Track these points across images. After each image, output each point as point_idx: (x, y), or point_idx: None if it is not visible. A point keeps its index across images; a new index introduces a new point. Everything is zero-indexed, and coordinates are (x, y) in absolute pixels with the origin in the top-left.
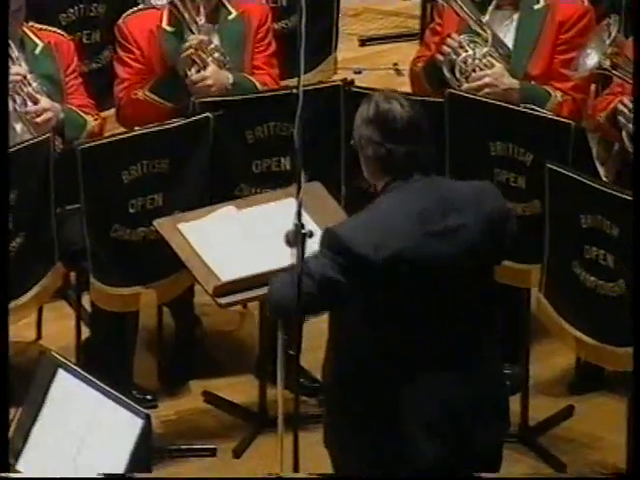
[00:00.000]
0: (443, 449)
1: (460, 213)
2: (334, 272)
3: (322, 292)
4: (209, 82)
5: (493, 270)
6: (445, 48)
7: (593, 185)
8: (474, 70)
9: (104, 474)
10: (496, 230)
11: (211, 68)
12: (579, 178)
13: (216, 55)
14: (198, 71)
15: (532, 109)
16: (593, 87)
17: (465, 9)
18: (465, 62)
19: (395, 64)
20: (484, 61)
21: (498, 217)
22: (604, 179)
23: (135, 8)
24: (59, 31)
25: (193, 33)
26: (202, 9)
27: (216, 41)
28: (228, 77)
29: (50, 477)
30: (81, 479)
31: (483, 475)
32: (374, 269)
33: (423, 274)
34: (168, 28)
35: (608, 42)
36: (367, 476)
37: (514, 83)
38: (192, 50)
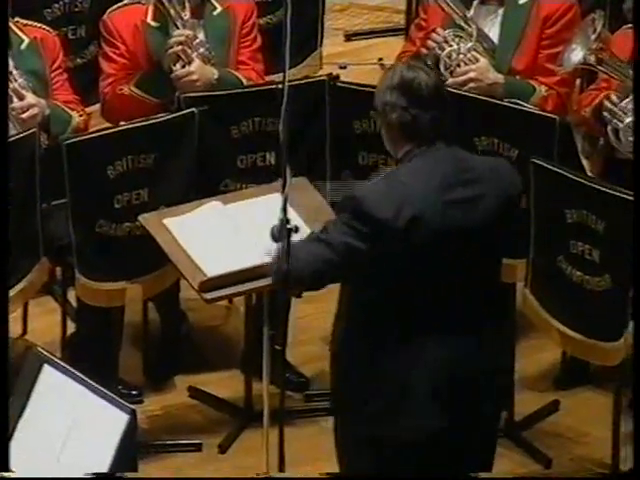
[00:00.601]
0: (446, 415)
1: (479, 184)
2: (353, 239)
3: (342, 260)
4: (194, 77)
5: (502, 242)
6: (430, 43)
7: (578, 180)
8: (459, 65)
9: (94, 473)
10: (508, 206)
11: (196, 63)
12: (564, 173)
13: (201, 50)
14: (183, 66)
15: (517, 104)
16: (578, 82)
17: (450, 4)
18: (450, 57)
19: (380, 59)
20: (469, 56)
21: (512, 194)
22: (589, 174)
23: (120, 3)
24: (44, 26)
25: (178, 28)
26: (187, 4)
27: (201, 36)
28: (213, 72)
29: (49, 477)
30: (77, 479)
31: (480, 475)
32: (392, 234)
33: (440, 241)
34: (153, 23)
35: (593, 37)
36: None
37: (499, 78)
38: (178, 46)
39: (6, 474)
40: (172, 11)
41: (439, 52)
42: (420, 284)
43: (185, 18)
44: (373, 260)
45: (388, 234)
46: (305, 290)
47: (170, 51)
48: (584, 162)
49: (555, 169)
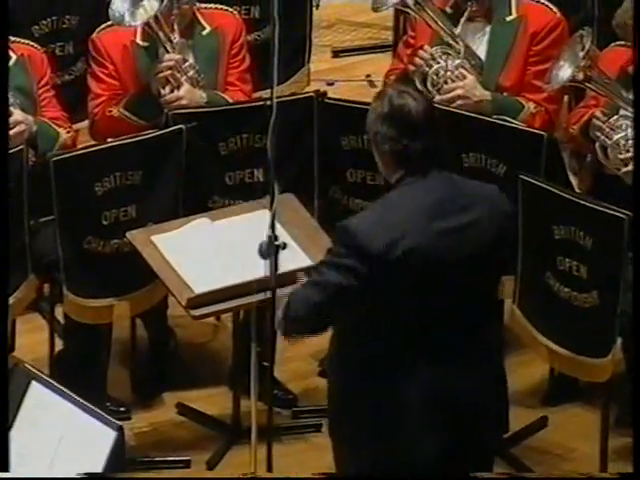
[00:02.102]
0: (442, 445)
1: (471, 212)
2: (346, 278)
3: (336, 301)
4: (183, 102)
5: (497, 269)
6: (417, 60)
7: (566, 196)
8: (446, 82)
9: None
10: (502, 231)
11: (185, 88)
12: (552, 189)
13: (191, 73)
14: (172, 90)
15: (505, 120)
16: (566, 99)
17: (437, 21)
18: (437, 74)
19: (368, 75)
20: (456, 73)
21: (505, 219)
22: (577, 190)
23: (109, 22)
24: (32, 43)
25: (167, 50)
26: (176, 26)
27: (190, 57)
28: (202, 96)
29: (47, 477)
30: (72, 479)
31: (478, 475)
32: (386, 267)
33: (434, 269)
34: (142, 43)
35: (581, 55)
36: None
37: (486, 95)
38: (167, 71)
39: (11, 475)
40: (161, 33)
41: (426, 69)
42: (413, 311)
43: (175, 41)
44: (366, 292)
45: (382, 267)
46: (311, 333)
47: (159, 75)
48: (572, 178)
49: (543, 185)
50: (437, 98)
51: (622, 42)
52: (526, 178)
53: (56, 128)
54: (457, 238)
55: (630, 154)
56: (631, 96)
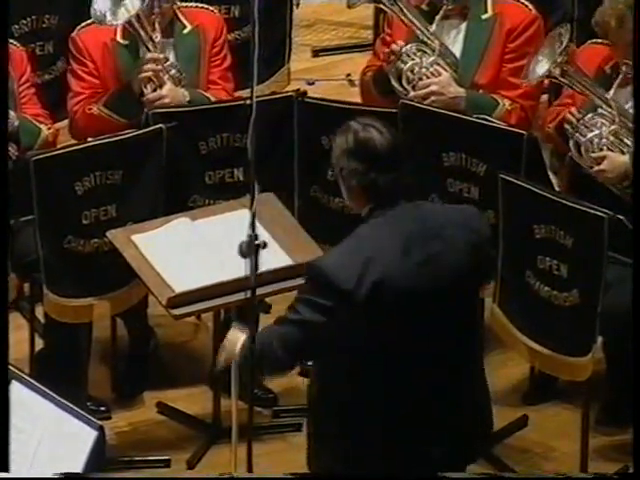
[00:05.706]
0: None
1: (443, 239)
2: (318, 316)
3: (310, 338)
4: (166, 100)
5: (476, 293)
6: (389, 52)
7: (547, 195)
8: (421, 79)
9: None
10: (478, 254)
11: (167, 86)
12: (533, 188)
13: (172, 72)
14: (154, 89)
15: (485, 119)
16: (546, 98)
17: (412, 19)
18: (412, 71)
19: (348, 75)
20: (431, 69)
21: (479, 241)
22: (557, 189)
23: (89, 20)
24: (11, 41)
25: (149, 49)
26: (157, 25)
27: (171, 56)
28: (185, 95)
29: (46, 477)
30: (68, 476)
31: (454, 475)
32: (358, 303)
33: (408, 302)
34: (122, 42)
35: (559, 51)
36: None
37: (460, 91)
38: (150, 72)
39: (10, 475)
40: (142, 32)
41: (401, 66)
42: (389, 345)
43: (156, 40)
44: (340, 327)
45: (352, 304)
46: (290, 370)
47: (142, 75)
48: (552, 177)
49: (523, 184)
50: (411, 94)
51: (600, 40)
52: (506, 177)
53: (37, 124)
54: (430, 268)
55: (603, 153)
56: (608, 95)
